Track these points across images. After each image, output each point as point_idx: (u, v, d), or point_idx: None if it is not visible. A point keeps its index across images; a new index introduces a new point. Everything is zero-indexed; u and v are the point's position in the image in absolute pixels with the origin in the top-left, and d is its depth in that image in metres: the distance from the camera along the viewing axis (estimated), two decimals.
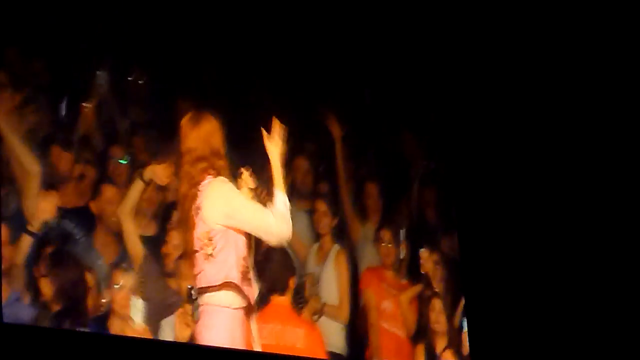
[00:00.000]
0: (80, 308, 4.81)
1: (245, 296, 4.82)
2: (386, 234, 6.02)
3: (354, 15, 6.14)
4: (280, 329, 5.33)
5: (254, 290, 4.92)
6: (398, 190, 6.25)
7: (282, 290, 5.41)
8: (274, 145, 4.92)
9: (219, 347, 4.81)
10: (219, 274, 4.78)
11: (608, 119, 6.59)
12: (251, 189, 4.98)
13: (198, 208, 4.84)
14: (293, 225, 5.25)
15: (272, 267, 5.35)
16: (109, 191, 5.09)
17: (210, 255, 4.78)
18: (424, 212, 6.34)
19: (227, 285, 4.79)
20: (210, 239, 4.78)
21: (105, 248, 5.04)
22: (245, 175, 5.00)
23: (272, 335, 5.30)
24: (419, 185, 6.34)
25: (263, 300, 5.30)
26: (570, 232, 6.46)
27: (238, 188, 4.98)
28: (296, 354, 5.30)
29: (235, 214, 4.84)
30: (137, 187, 5.05)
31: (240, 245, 4.91)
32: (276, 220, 4.82)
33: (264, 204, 4.94)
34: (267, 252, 5.26)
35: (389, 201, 6.12)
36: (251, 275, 4.97)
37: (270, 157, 4.92)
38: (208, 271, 4.81)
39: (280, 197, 4.84)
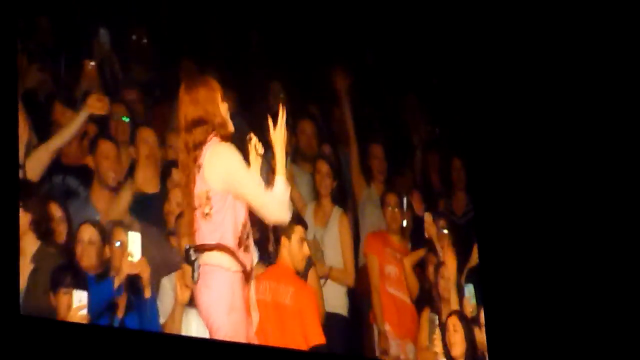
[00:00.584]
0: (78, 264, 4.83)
1: (239, 261, 4.80)
2: (392, 198, 6.00)
3: None
4: (275, 285, 5.33)
5: (251, 258, 4.90)
6: (402, 154, 6.24)
7: None
8: (278, 133, 4.91)
9: (231, 342, 4.84)
10: (213, 234, 4.77)
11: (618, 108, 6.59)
12: (260, 154, 4.97)
13: (199, 166, 4.84)
14: (297, 186, 5.27)
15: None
16: (105, 146, 5.06)
17: (207, 214, 4.77)
18: (428, 176, 6.33)
19: (220, 246, 4.78)
20: (208, 198, 4.78)
21: (102, 204, 5.02)
22: (255, 140, 4.99)
23: (267, 291, 5.30)
24: (422, 150, 6.33)
25: (272, 259, 5.33)
26: (582, 202, 6.47)
27: (247, 153, 4.97)
28: (285, 312, 5.30)
29: (235, 185, 4.82)
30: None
31: (240, 211, 4.91)
32: (274, 205, 4.80)
33: (273, 172, 4.94)
34: None
35: (393, 165, 6.10)
36: (250, 242, 4.97)
37: (273, 144, 4.91)
38: (204, 230, 4.81)
39: (281, 184, 4.83)
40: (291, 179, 5.30)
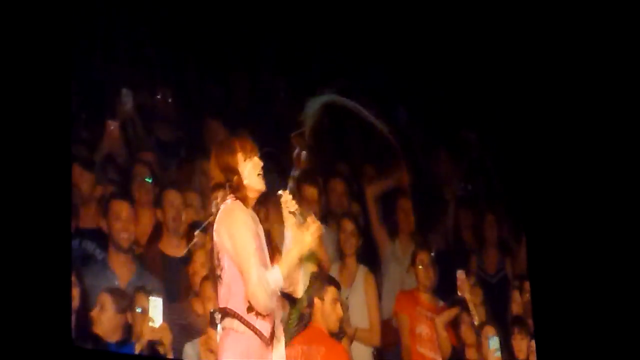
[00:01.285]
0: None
1: (250, 326, 4.62)
2: (424, 257, 5.90)
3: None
4: (307, 349, 5.23)
5: (270, 322, 4.72)
6: (433, 210, 6.14)
7: None
8: (307, 236, 4.71)
9: None
10: (225, 296, 4.63)
11: None
12: (292, 212, 4.82)
13: (212, 225, 4.74)
14: (325, 246, 5.20)
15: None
16: (117, 206, 4.98)
17: (219, 276, 4.65)
18: (460, 233, 6.23)
19: (227, 311, 4.63)
20: (219, 260, 4.66)
21: (120, 268, 4.95)
22: (285, 197, 4.86)
23: (299, 356, 5.20)
24: (455, 206, 6.23)
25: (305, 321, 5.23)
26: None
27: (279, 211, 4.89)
28: None
29: (236, 252, 4.68)
30: None
31: None
32: (258, 290, 4.58)
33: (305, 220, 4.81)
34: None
35: (423, 220, 6.01)
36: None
37: (294, 241, 4.70)
38: (220, 293, 4.68)
39: (276, 274, 4.62)
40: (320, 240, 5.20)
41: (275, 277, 4.40)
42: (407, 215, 5.94)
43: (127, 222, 4.96)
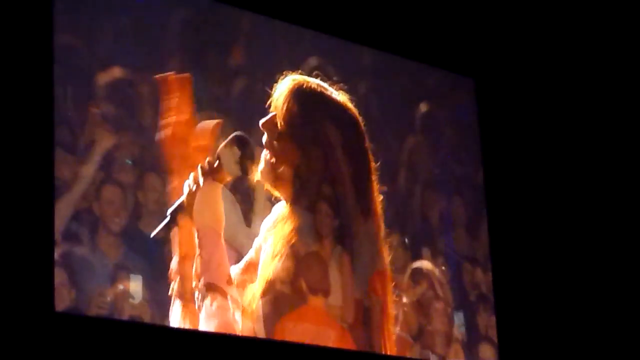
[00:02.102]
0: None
1: (233, 298, 4.83)
2: (394, 238, 6.04)
3: None
4: (315, 329, 5.38)
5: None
6: (401, 193, 6.27)
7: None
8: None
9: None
10: (204, 271, 4.83)
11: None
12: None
13: (188, 205, 4.94)
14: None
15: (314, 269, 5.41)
16: (109, 192, 5.14)
17: (199, 254, 4.84)
18: (427, 214, 6.36)
19: (209, 286, 4.81)
20: (199, 238, 4.85)
21: (109, 249, 5.08)
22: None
23: (306, 334, 5.36)
24: (422, 188, 6.36)
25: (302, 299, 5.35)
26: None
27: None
28: None
29: (215, 225, 4.87)
30: None
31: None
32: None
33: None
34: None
35: (393, 203, 6.14)
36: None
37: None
38: (200, 269, 4.87)
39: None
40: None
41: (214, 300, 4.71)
42: (377, 196, 6.04)
43: (119, 208, 5.13)
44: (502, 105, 6.60)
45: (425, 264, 6.17)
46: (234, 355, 5.08)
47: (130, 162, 5.26)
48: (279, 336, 5.11)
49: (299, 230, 5.28)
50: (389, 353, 5.72)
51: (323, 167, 5.39)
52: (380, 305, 5.83)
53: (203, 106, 5.49)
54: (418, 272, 6.15)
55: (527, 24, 6.65)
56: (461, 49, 6.51)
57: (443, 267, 6.24)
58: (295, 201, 5.29)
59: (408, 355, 5.97)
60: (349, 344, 5.45)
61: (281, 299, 5.10)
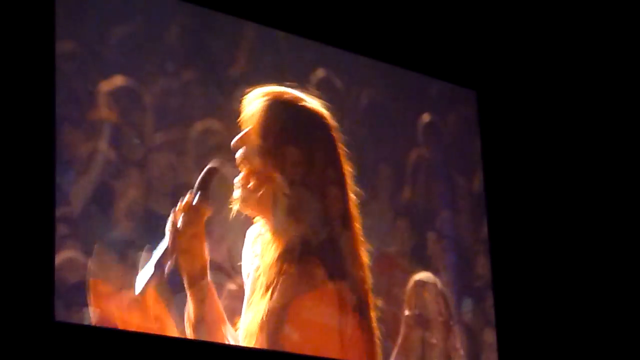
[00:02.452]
0: None
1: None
2: (402, 222, 6.05)
3: None
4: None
5: None
6: (406, 177, 6.23)
7: None
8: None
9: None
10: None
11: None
12: None
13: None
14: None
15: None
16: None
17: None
18: (430, 198, 6.36)
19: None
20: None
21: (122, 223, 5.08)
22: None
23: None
24: (424, 172, 6.34)
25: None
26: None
27: None
28: None
29: None
30: None
31: None
32: None
33: None
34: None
35: (399, 186, 6.12)
36: None
37: None
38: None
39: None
40: None
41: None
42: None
43: (135, 187, 5.13)
44: (504, 117, 6.59)
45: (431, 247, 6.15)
46: None
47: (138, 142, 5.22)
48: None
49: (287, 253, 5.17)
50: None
51: (307, 179, 5.27)
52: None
53: (203, 114, 5.47)
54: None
55: (529, 37, 6.65)
56: (463, 61, 6.49)
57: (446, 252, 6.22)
58: (279, 222, 5.20)
59: None
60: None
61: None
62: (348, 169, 5.33)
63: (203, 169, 5.14)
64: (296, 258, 5.09)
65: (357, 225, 5.33)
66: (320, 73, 5.83)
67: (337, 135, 5.31)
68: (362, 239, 5.35)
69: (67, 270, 4.81)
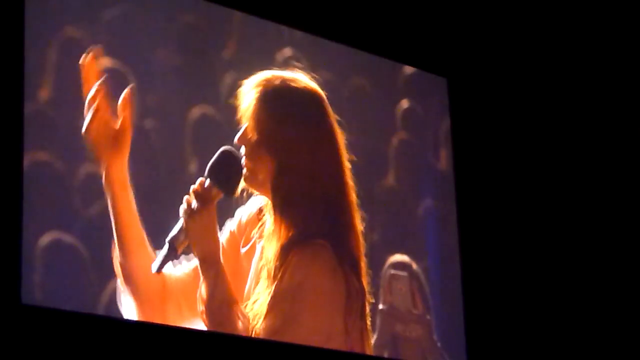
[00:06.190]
0: None
1: None
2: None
3: None
4: None
5: None
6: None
7: None
8: None
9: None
10: None
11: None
12: None
13: None
14: None
15: None
16: None
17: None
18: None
19: None
20: None
21: None
22: None
23: None
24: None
25: None
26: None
27: None
28: None
29: None
30: None
31: None
32: None
33: None
34: None
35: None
36: None
37: None
38: None
39: None
40: None
41: None
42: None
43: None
44: (475, 105, 6.63)
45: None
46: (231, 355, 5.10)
47: None
48: None
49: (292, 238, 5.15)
50: None
51: (307, 165, 5.23)
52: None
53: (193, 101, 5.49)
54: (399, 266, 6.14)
55: (501, 24, 6.68)
56: (434, 49, 6.52)
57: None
58: (278, 211, 5.18)
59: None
60: None
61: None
62: (341, 137, 5.35)
63: (191, 154, 5.25)
64: (302, 241, 5.12)
65: (353, 195, 5.36)
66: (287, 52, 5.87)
67: (328, 107, 5.34)
68: (356, 207, 5.36)
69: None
